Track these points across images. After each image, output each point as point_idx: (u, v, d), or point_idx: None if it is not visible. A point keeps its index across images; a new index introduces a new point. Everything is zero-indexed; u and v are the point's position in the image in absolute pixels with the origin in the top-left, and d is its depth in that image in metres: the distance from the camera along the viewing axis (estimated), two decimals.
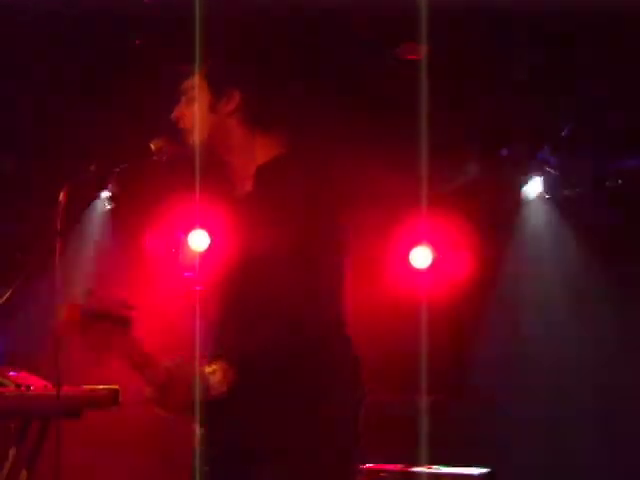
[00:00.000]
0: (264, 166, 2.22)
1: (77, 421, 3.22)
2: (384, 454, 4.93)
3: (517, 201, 5.95)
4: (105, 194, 5.97)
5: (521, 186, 5.86)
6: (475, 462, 5.08)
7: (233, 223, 2.22)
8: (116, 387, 3.34)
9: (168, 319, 6.28)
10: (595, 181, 5.69)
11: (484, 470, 4.97)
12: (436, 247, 6.20)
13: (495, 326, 6.01)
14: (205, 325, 2.23)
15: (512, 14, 4.09)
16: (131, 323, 2.02)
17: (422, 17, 3.92)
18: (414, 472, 5.01)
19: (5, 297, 2.37)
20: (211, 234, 6.02)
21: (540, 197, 5.88)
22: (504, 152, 5.80)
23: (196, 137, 2.26)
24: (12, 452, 3.27)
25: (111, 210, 6.28)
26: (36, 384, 3.14)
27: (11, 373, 3.15)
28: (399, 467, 5.07)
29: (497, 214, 6.21)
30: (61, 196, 2.27)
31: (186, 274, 6.41)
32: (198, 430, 2.11)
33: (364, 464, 4.99)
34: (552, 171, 5.72)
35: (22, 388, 3.04)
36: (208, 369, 1.96)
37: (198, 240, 6.08)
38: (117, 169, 2.47)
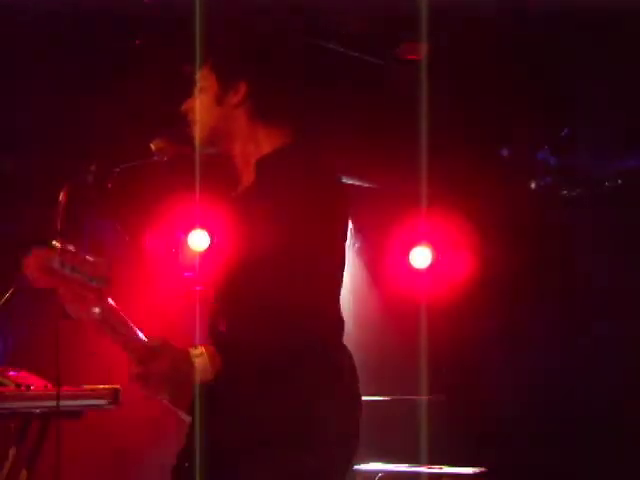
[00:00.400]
0: (265, 158, 2.20)
1: (77, 421, 3.22)
2: (383, 454, 4.94)
3: (517, 201, 5.95)
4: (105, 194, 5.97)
5: (521, 186, 5.87)
6: (474, 462, 5.09)
7: (233, 218, 2.22)
8: (117, 387, 3.34)
9: (168, 319, 6.28)
10: (595, 181, 5.70)
11: (483, 470, 4.98)
12: (436, 247, 6.20)
13: (495, 326, 6.01)
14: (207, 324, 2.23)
15: (512, 14, 4.10)
16: (110, 285, 1.92)
17: (422, 17, 3.93)
18: (413, 472, 5.01)
19: (5, 297, 2.37)
20: (211, 234, 6.05)
21: (540, 197, 5.88)
22: (504, 152, 5.80)
23: (201, 128, 2.26)
24: (12, 452, 3.27)
25: (111, 210, 6.28)
26: (36, 384, 3.14)
27: (11, 373, 3.15)
28: (398, 466, 5.08)
29: (497, 214, 6.21)
30: (61, 196, 2.27)
31: (186, 274, 6.42)
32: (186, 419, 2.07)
33: (362, 464, 5.00)
34: (552, 171, 5.72)
35: (22, 388, 3.04)
36: (194, 351, 1.92)
37: (198, 240, 6.08)
38: (117, 169, 2.47)
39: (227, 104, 2.24)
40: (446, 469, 5.02)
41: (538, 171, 5.79)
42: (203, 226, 6.04)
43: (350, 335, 2.22)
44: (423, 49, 4.41)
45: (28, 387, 3.05)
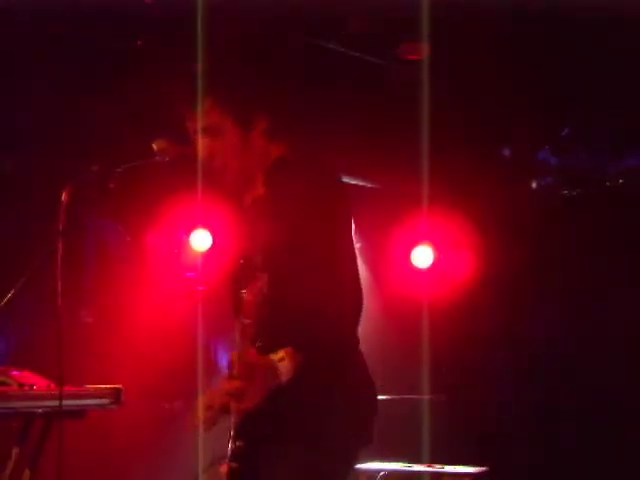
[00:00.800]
0: (271, 167, 2.23)
1: (80, 420, 3.22)
2: (385, 453, 4.94)
3: (518, 201, 5.95)
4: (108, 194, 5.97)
5: (522, 186, 5.87)
6: (475, 461, 5.10)
7: (249, 224, 2.23)
8: (119, 386, 3.35)
9: (170, 318, 6.29)
10: (595, 181, 5.70)
11: (484, 469, 4.98)
12: (437, 247, 6.21)
13: (496, 326, 6.02)
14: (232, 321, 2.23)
15: (513, 14, 4.10)
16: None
17: (423, 17, 3.93)
18: (415, 471, 5.02)
19: (8, 297, 2.38)
20: (213, 234, 6.06)
21: (541, 197, 5.88)
22: (505, 152, 5.81)
23: (235, 174, 2.23)
24: (15, 451, 3.27)
25: (113, 210, 6.28)
26: (39, 383, 3.15)
27: (14, 372, 3.15)
28: (400, 466, 5.09)
29: (498, 214, 6.21)
30: (63, 196, 2.28)
31: (188, 274, 6.42)
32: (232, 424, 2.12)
33: (364, 463, 5.01)
34: (553, 171, 5.73)
35: (25, 387, 3.04)
36: (275, 356, 1.95)
37: (200, 240, 6.09)
38: (119, 169, 2.48)
39: (251, 139, 2.23)
40: (447, 468, 5.03)
41: (539, 171, 5.79)
42: (205, 226, 6.05)
43: None
44: (424, 49, 4.42)
45: (31, 387, 3.06)
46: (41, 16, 4.21)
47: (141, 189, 6.06)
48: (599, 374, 5.61)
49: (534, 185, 5.93)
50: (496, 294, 6.04)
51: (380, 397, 2.27)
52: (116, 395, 3.33)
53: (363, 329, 2.19)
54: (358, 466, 4.86)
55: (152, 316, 6.14)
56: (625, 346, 5.66)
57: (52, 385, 3.12)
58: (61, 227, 2.31)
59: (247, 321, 1.94)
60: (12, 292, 2.41)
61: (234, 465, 2.10)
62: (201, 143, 2.22)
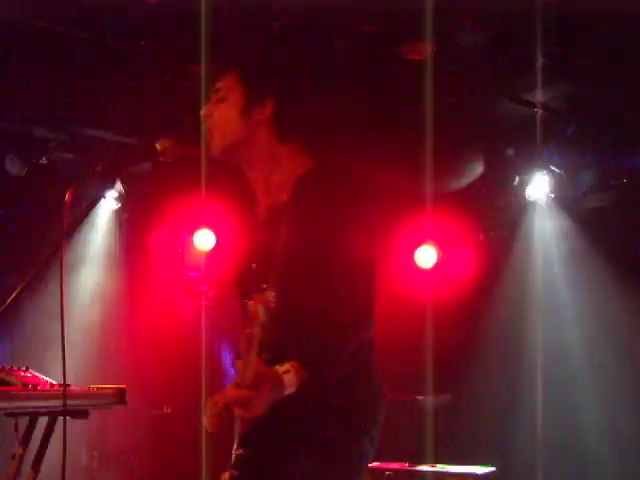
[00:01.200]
0: (302, 177, 2.20)
1: (84, 420, 3.23)
2: (389, 453, 4.94)
3: (523, 201, 5.94)
4: (111, 194, 5.99)
5: (526, 186, 5.85)
6: (479, 461, 5.09)
7: (266, 230, 2.23)
8: (123, 387, 3.35)
9: (174, 317, 6.30)
10: (600, 180, 5.69)
11: (488, 469, 4.98)
12: (441, 246, 6.20)
13: (500, 325, 6.01)
14: (238, 324, 2.23)
15: (514, 14, 4.09)
16: None
17: (427, 17, 3.93)
18: (419, 471, 5.02)
19: (12, 297, 2.38)
20: (217, 234, 6.06)
21: (546, 197, 5.86)
22: (510, 151, 5.80)
23: (220, 138, 2.25)
24: (18, 451, 3.28)
25: (117, 210, 6.30)
26: (43, 383, 3.15)
27: (18, 372, 3.16)
28: (404, 466, 5.08)
29: (502, 213, 6.20)
30: (67, 196, 2.27)
31: (191, 273, 6.43)
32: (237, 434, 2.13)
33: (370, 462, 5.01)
34: (557, 170, 5.71)
35: (29, 387, 3.05)
36: (280, 369, 1.97)
37: (203, 240, 6.10)
38: (123, 169, 2.48)
39: (252, 118, 2.23)
40: (452, 468, 5.02)
41: (542, 170, 5.78)
42: (209, 226, 6.06)
43: None
44: (427, 48, 4.42)
45: (35, 386, 3.06)
46: (45, 18, 4.21)
47: (145, 189, 6.09)
48: (606, 376, 5.60)
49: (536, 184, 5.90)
50: (500, 293, 6.03)
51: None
52: (120, 395, 3.33)
53: None
54: None
55: (156, 315, 6.15)
56: (634, 349, 5.65)
57: (56, 385, 3.13)
58: (65, 227, 2.31)
59: (252, 331, 1.94)
60: (16, 292, 2.41)
61: (236, 473, 2.10)
62: (210, 100, 2.27)
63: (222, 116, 2.24)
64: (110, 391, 3.33)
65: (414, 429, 5.24)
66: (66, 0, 4.03)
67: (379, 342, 2.23)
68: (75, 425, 2.92)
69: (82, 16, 4.17)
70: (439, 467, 5.02)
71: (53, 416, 3.30)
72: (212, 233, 6.05)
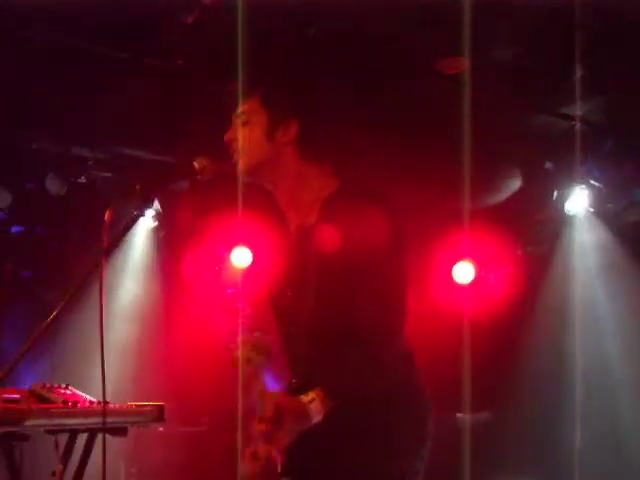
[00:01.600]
0: (329, 199, 2.21)
1: (123, 438, 3.24)
2: (425, 471, 4.89)
3: (562, 216, 5.88)
4: (150, 212, 6.03)
5: (565, 200, 5.79)
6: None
7: (298, 252, 2.22)
8: (162, 404, 3.35)
9: (211, 335, 6.31)
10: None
11: None
12: (479, 262, 6.16)
13: (539, 340, 5.94)
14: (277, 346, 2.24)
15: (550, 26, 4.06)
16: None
17: (463, 31, 3.92)
18: None
19: (52, 315, 2.40)
20: (253, 251, 6.08)
21: (586, 211, 5.80)
22: (548, 165, 5.75)
23: (246, 162, 2.26)
24: (59, 468, 3.29)
25: (155, 228, 6.34)
26: (82, 401, 3.16)
27: (59, 389, 3.18)
28: None
29: (541, 228, 6.15)
30: (107, 216, 2.29)
31: (229, 291, 6.45)
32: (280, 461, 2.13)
33: None
34: (597, 184, 5.65)
35: (69, 405, 3.07)
36: (305, 398, 1.96)
37: (240, 257, 6.12)
38: (162, 188, 2.49)
39: (277, 140, 2.24)
40: None
41: (581, 184, 5.72)
42: (245, 243, 6.08)
43: None
44: (464, 63, 4.40)
45: (75, 403, 3.08)
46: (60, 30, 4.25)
47: (183, 207, 6.12)
48: None
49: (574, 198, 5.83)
50: (538, 309, 5.97)
51: None
52: (159, 412, 3.33)
53: None
54: None
55: (193, 332, 6.17)
56: None
57: (96, 402, 3.14)
58: (105, 245, 2.32)
59: (255, 365, 1.95)
60: (56, 310, 2.43)
61: None
62: (234, 123, 2.28)
63: (247, 139, 2.26)
64: (149, 408, 3.33)
65: (450, 447, 5.18)
66: (103, 20, 4.08)
67: (417, 358, 2.21)
68: (114, 442, 2.93)
69: (118, 35, 4.23)
70: None
71: (92, 433, 3.31)
72: (249, 250, 6.07)
